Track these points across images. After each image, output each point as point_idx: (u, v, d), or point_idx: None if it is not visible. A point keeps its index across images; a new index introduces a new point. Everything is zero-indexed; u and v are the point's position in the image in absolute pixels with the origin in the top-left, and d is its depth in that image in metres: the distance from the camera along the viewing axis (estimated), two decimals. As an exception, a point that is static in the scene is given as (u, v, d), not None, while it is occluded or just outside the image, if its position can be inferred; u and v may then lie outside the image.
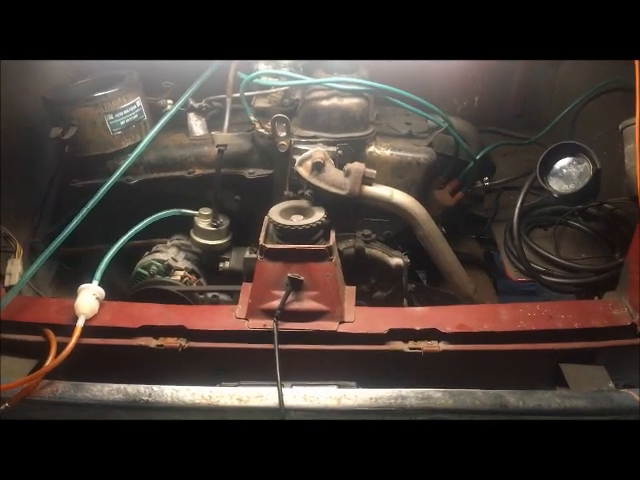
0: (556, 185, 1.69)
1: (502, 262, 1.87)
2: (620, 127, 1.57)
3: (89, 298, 1.47)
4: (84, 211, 1.60)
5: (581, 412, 1.26)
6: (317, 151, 1.61)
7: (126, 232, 1.64)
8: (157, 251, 1.77)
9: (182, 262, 1.75)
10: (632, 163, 1.49)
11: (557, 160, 1.70)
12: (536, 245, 1.79)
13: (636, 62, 1.34)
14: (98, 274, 1.52)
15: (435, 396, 1.29)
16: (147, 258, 1.75)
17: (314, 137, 1.66)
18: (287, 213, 1.57)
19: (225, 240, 1.78)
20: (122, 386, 1.34)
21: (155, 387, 1.33)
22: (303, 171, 1.60)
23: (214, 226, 1.75)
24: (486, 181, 2.00)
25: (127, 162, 1.67)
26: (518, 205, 1.73)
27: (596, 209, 1.80)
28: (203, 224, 1.76)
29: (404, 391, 1.30)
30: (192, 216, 1.77)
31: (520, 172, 2.07)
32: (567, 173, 1.69)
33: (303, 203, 1.61)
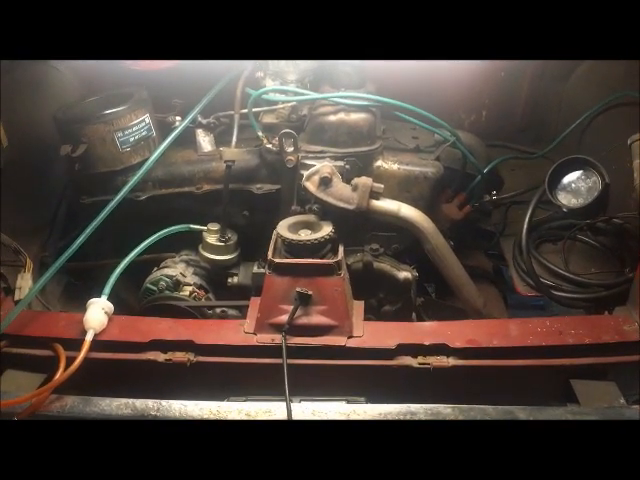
0: (565, 199, 1.69)
1: (511, 276, 1.86)
2: (628, 142, 1.57)
3: (98, 312, 1.48)
4: (92, 226, 1.61)
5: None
6: (324, 166, 1.61)
7: (135, 247, 1.65)
8: (166, 266, 1.78)
9: (191, 277, 1.76)
10: (641, 177, 1.48)
11: (566, 174, 1.70)
12: (545, 260, 1.78)
13: None
14: (107, 289, 1.53)
15: (444, 412, 1.28)
16: (156, 274, 1.75)
17: (321, 152, 1.67)
18: (295, 228, 1.57)
19: (233, 255, 1.78)
20: (130, 401, 1.34)
21: (163, 402, 1.34)
22: (311, 186, 1.60)
23: (222, 241, 1.76)
24: (494, 195, 2.00)
25: (135, 178, 1.68)
26: (527, 220, 1.73)
27: (605, 223, 1.79)
28: (211, 239, 1.76)
29: (413, 406, 1.30)
30: (200, 231, 1.78)
31: (528, 186, 2.07)
32: (576, 187, 1.69)
33: (311, 218, 1.61)
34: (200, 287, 1.76)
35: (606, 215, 1.78)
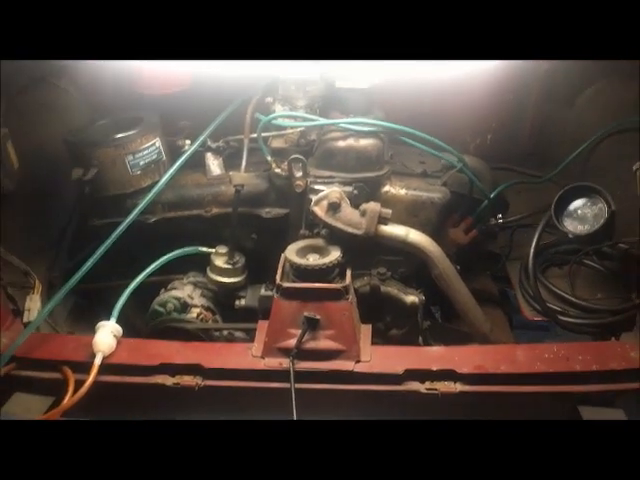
0: (571, 226, 1.70)
1: (517, 300, 1.87)
2: (634, 168, 1.58)
3: (107, 336, 1.49)
4: (101, 249, 1.62)
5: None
6: (333, 191, 1.62)
7: (143, 270, 1.66)
8: (173, 288, 1.79)
9: (198, 299, 1.77)
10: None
11: (572, 201, 1.71)
12: (551, 284, 1.78)
13: None
14: (116, 312, 1.54)
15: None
16: (164, 295, 1.76)
17: (330, 177, 1.68)
18: (303, 252, 1.58)
19: (241, 278, 1.79)
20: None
21: (171, 426, 1.34)
22: (319, 211, 1.61)
23: (230, 264, 1.77)
24: (500, 218, 2.01)
25: (145, 200, 1.70)
26: (534, 244, 1.74)
27: (611, 248, 1.80)
28: (219, 262, 1.77)
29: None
30: (208, 254, 1.79)
31: (533, 210, 2.08)
32: (582, 214, 1.70)
33: (319, 242, 1.62)
34: (207, 309, 1.77)
35: (612, 240, 1.79)
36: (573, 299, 1.73)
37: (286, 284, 1.49)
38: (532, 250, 1.73)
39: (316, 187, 1.67)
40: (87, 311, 1.95)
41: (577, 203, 1.72)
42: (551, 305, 1.73)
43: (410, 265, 1.74)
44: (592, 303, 1.73)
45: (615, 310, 1.68)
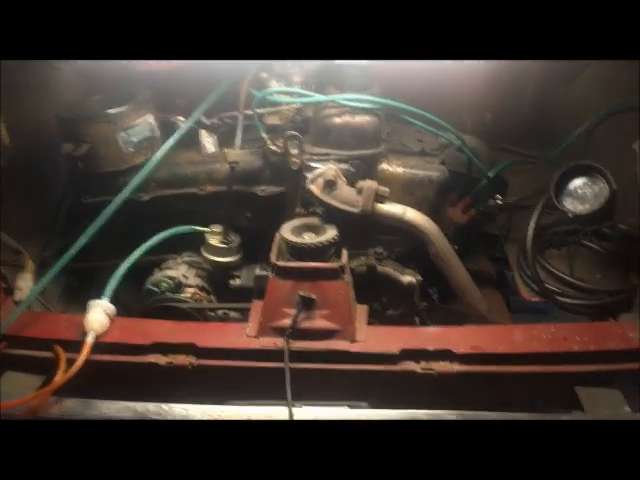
0: (571, 205, 1.69)
1: (515, 281, 1.85)
2: (634, 147, 1.56)
3: (99, 314, 1.47)
4: (94, 227, 1.59)
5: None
6: (329, 169, 1.60)
7: (137, 248, 1.63)
8: (168, 268, 1.77)
9: (193, 279, 1.75)
10: (649, 183, 1.47)
11: (572, 180, 1.69)
12: (550, 265, 1.77)
13: None
14: (108, 291, 1.52)
15: (448, 418, 1.28)
16: (158, 275, 1.74)
17: (326, 154, 1.65)
18: (299, 231, 1.56)
19: (236, 257, 1.77)
20: (131, 404, 1.35)
21: (164, 405, 1.34)
22: (315, 189, 1.59)
23: (225, 243, 1.75)
24: (498, 199, 1.99)
25: (138, 178, 1.67)
26: (532, 225, 1.72)
27: (610, 229, 1.78)
28: (214, 241, 1.75)
29: (416, 412, 1.29)
30: (203, 233, 1.76)
31: (532, 190, 2.06)
32: (582, 194, 1.68)
33: (315, 221, 1.60)
34: (202, 289, 1.75)
35: (611, 221, 1.77)
36: (571, 280, 1.72)
37: (281, 263, 1.47)
38: (530, 231, 1.71)
39: (312, 164, 1.64)
40: (80, 290, 1.93)
41: (577, 182, 1.70)
42: (549, 286, 1.72)
43: (407, 244, 1.72)
44: (591, 284, 1.72)
45: (613, 291, 1.67)
